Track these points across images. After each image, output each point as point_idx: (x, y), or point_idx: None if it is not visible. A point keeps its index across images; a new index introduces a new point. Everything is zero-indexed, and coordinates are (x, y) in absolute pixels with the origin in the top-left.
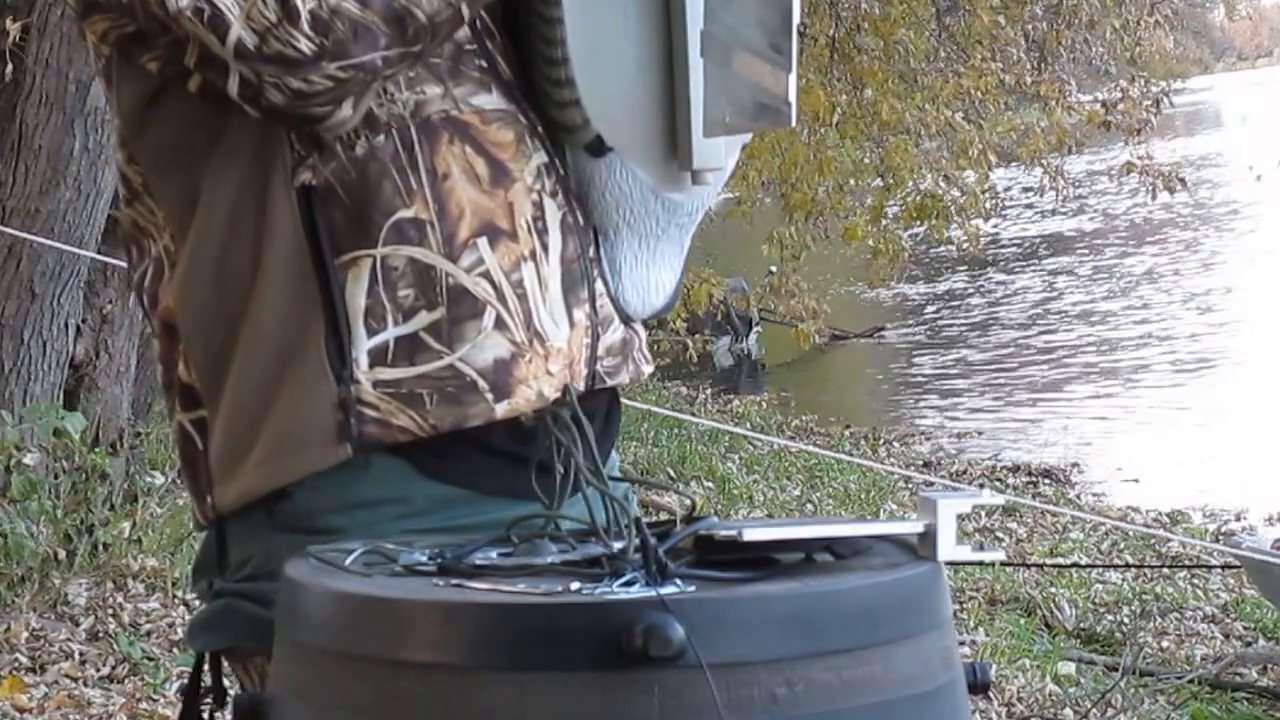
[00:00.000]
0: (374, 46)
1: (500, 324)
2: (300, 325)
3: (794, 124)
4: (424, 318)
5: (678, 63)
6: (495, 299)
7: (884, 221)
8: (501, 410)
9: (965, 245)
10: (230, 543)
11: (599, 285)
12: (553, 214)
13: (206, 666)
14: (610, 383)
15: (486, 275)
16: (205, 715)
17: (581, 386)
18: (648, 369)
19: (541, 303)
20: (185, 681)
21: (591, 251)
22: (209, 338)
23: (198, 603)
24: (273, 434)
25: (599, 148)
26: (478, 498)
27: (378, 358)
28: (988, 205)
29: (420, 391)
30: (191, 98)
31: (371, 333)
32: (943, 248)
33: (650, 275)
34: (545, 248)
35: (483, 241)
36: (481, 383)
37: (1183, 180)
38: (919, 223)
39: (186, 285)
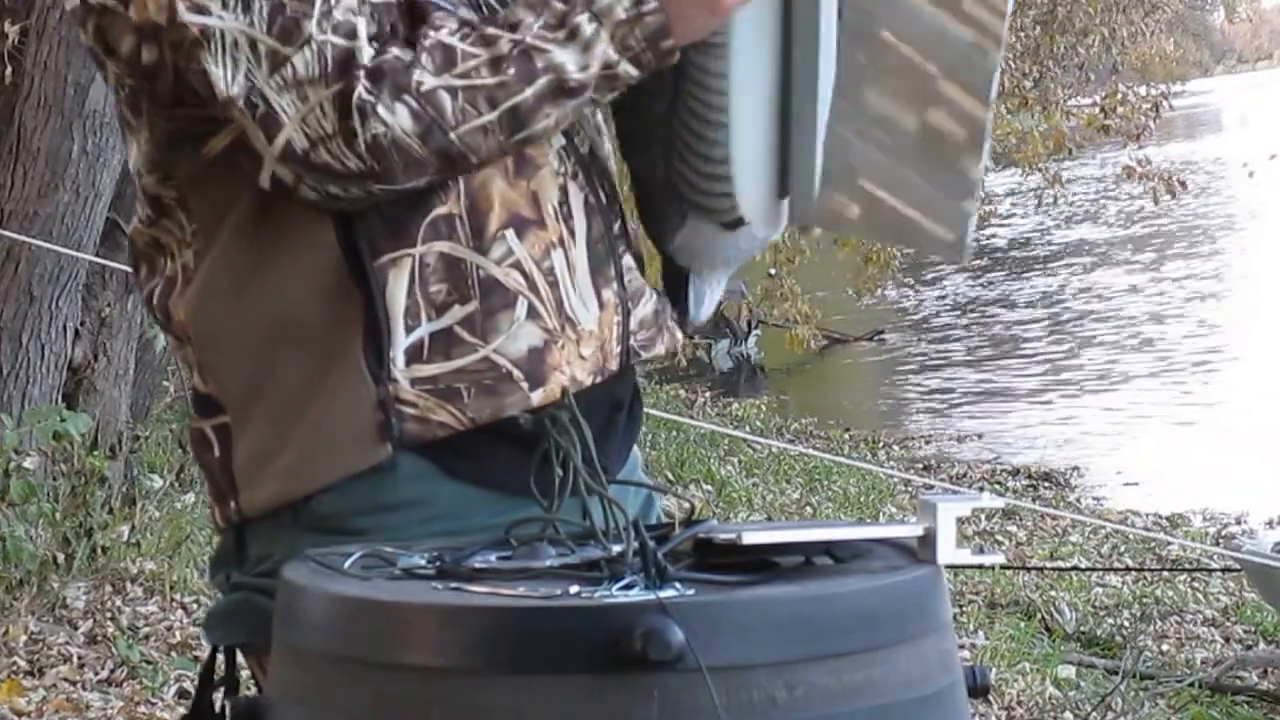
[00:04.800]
0: (420, 176)
1: (533, 313)
2: (337, 328)
3: (964, 260)
4: (457, 311)
5: (803, 129)
6: (527, 288)
7: None
8: (537, 398)
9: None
10: (251, 539)
11: (626, 260)
12: (576, 197)
13: (220, 658)
14: (646, 355)
15: (518, 265)
16: (218, 707)
17: (615, 366)
18: (680, 335)
19: (571, 287)
20: (183, 685)
21: (616, 228)
22: (235, 346)
23: (196, 605)
24: (309, 437)
25: (737, 224)
26: (503, 498)
27: (413, 355)
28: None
29: (458, 386)
30: None
31: (408, 330)
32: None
33: (718, 294)
34: (572, 232)
35: (510, 233)
36: (517, 372)
37: (1183, 183)
38: None
39: (207, 296)
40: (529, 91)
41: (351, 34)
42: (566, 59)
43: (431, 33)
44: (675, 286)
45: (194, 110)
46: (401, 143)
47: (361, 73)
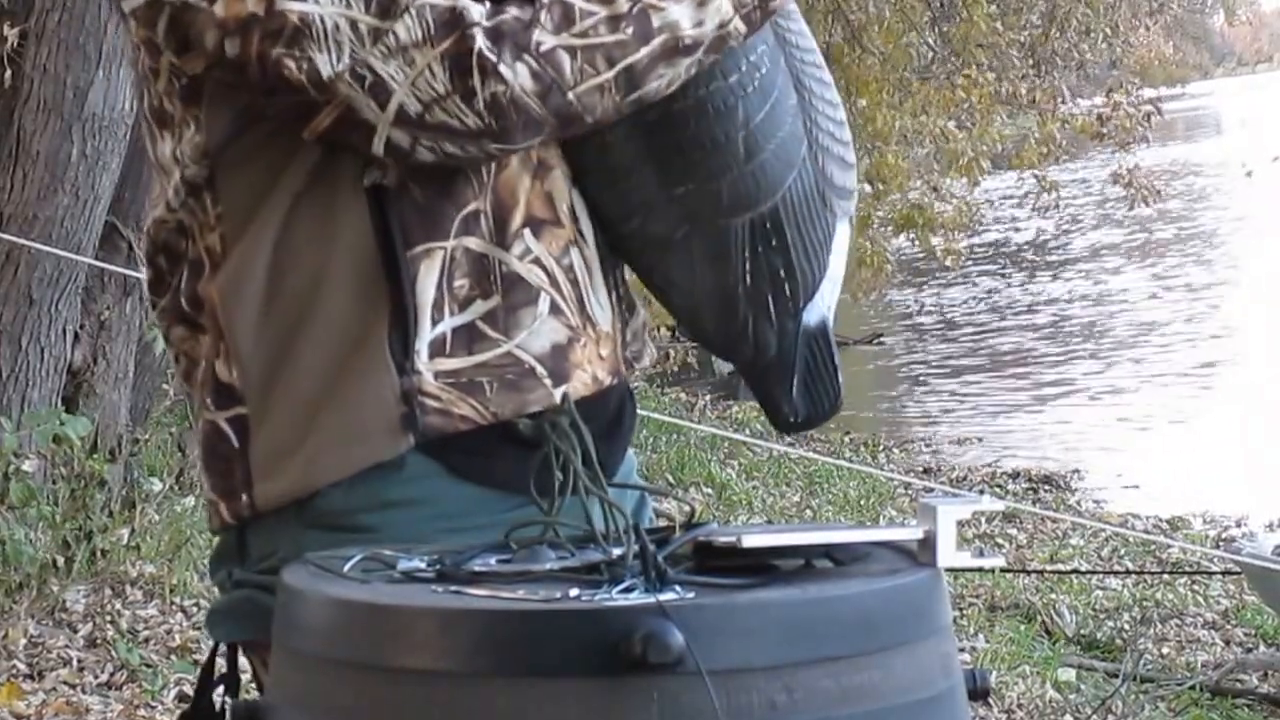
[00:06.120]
0: (537, 135)
1: (555, 309)
2: (363, 319)
3: None
4: (480, 306)
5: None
6: (549, 285)
7: (870, 230)
8: (559, 395)
9: (948, 260)
10: (252, 536)
11: (620, 271)
12: (580, 202)
13: (221, 656)
14: (638, 366)
15: (538, 262)
16: (218, 705)
17: (623, 370)
18: (653, 353)
19: (590, 287)
20: (184, 688)
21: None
22: (260, 333)
23: (196, 609)
24: (331, 427)
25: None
26: (507, 498)
27: (436, 348)
28: (973, 217)
29: (480, 380)
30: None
31: (433, 323)
32: (964, 249)
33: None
34: (582, 234)
35: (528, 231)
36: (540, 369)
37: (1158, 192)
38: (904, 231)
39: (239, 279)
40: (644, 51)
41: None
42: (681, 15)
43: None
44: (815, 370)
45: (289, 97)
46: (521, 102)
47: (478, 30)
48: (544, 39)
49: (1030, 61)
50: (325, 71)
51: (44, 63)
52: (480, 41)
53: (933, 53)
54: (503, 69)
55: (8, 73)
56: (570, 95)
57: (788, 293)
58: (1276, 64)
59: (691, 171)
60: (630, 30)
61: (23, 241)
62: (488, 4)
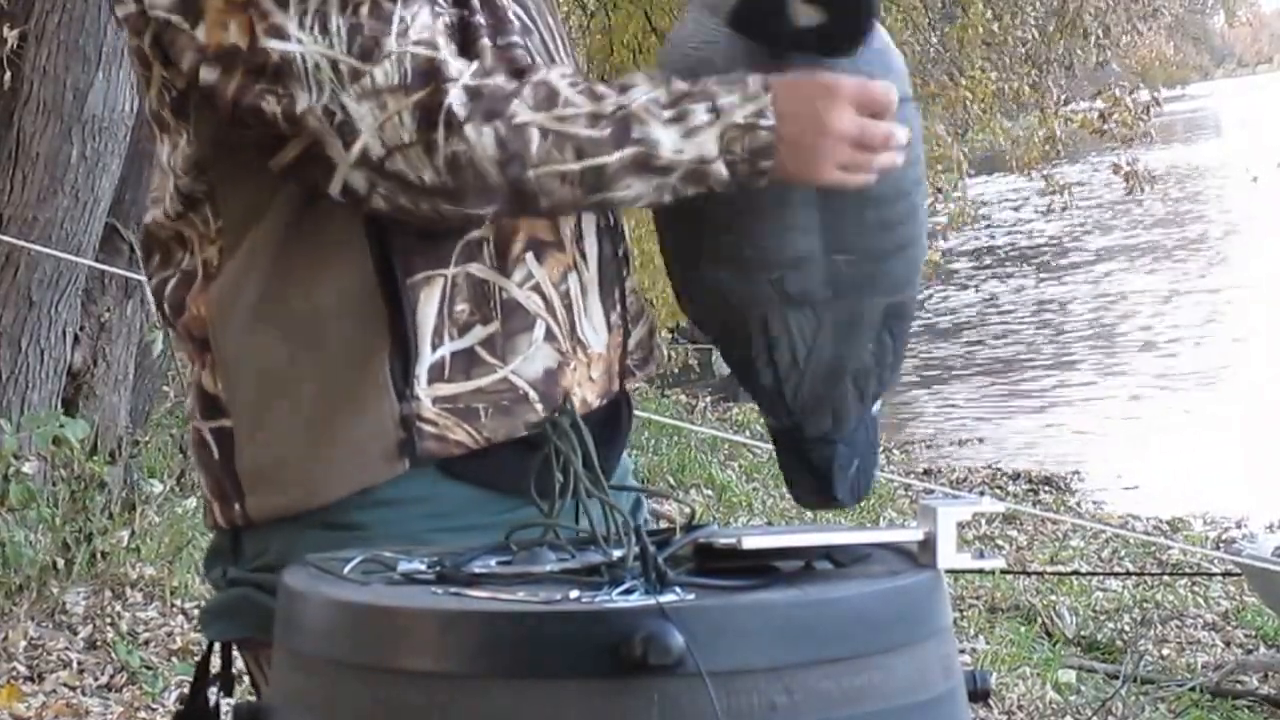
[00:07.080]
0: (488, 205)
1: (549, 335)
2: (363, 343)
3: None
4: (479, 332)
5: None
6: (545, 311)
7: None
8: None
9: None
10: (246, 536)
11: (629, 282)
12: (588, 219)
13: (216, 655)
14: (639, 375)
15: (537, 288)
16: (213, 703)
17: (616, 387)
18: (662, 355)
19: (583, 311)
20: (184, 690)
21: (620, 251)
22: (251, 350)
23: (196, 610)
24: (329, 449)
25: None
26: (504, 499)
27: (435, 373)
28: (963, 220)
29: (476, 405)
30: None
31: (433, 349)
32: (941, 255)
33: None
34: (584, 255)
35: (530, 256)
36: (532, 394)
37: (1154, 178)
38: None
39: (233, 296)
40: (615, 155)
41: (433, 46)
42: (663, 137)
43: (544, 70)
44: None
45: (258, 130)
46: (479, 165)
47: (453, 86)
48: (520, 112)
49: (1031, 65)
50: (301, 106)
51: (44, 64)
52: (453, 97)
53: (934, 51)
54: (468, 129)
55: (7, 74)
56: (530, 172)
57: (883, 379)
58: (1277, 65)
59: (862, 244)
60: (607, 132)
61: (22, 243)
62: (475, 64)
